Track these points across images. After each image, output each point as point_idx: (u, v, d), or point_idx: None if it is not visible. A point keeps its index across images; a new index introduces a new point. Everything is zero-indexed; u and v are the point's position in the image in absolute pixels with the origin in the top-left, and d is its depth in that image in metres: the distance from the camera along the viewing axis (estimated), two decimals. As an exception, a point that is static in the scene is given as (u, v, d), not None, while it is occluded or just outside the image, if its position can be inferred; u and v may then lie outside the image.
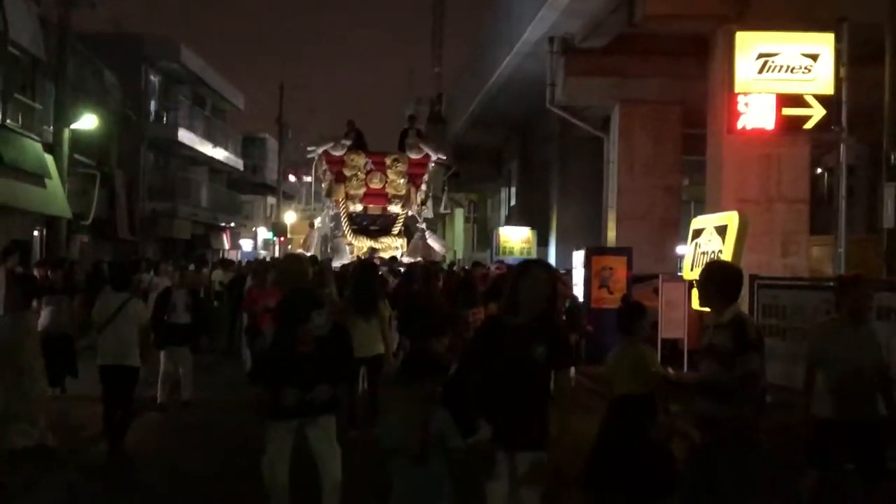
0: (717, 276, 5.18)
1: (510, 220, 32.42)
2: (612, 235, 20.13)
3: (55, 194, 18.89)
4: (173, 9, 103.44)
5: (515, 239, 26.28)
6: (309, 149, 25.68)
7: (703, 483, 4.93)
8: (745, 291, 9.08)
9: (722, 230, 9.47)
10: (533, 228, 26.82)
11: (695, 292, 10.44)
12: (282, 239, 42.25)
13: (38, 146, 19.12)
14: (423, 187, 25.36)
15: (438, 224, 44.09)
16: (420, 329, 9.34)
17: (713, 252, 9.55)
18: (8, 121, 18.20)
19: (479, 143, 34.40)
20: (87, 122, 19.18)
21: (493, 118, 30.05)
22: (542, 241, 26.94)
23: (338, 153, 24.60)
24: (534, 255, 25.55)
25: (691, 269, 10.30)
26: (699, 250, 10.03)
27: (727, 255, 9.15)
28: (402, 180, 24.67)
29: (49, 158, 18.94)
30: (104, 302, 8.51)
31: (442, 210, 27.01)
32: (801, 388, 5.91)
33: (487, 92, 26.72)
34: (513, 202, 33.96)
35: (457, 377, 5.06)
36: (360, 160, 24.60)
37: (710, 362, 4.93)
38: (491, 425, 4.67)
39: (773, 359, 7.92)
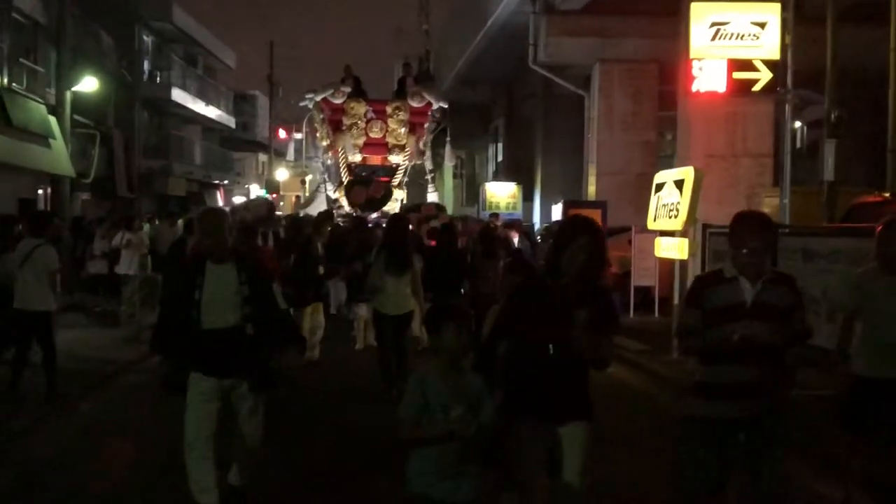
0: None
1: (497, 176, 33.23)
2: (592, 190, 21.06)
3: (59, 154, 19.72)
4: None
5: (502, 194, 27.06)
6: (307, 96, 24.58)
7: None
8: (698, 238, 10.10)
9: (680, 184, 10.42)
10: (519, 184, 27.61)
11: (659, 241, 11.44)
12: (274, 195, 42.97)
13: (43, 108, 19.92)
14: (424, 137, 24.57)
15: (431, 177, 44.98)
16: (442, 283, 9.51)
17: (673, 204, 10.51)
18: (14, 84, 18.99)
19: (467, 100, 35.00)
20: (88, 84, 19.91)
21: (479, 76, 30.79)
22: (528, 196, 27.79)
23: (337, 101, 23.59)
24: (519, 210, 26.46)
25: (654, 220, 11.26)
26: (661, 202, 10.99)
27: (684, 208, 10.11)
28: (402, 129, 23.81)
29: (52, 120, 19.73)
30: (20, 248, 8.66)
31: (448, 163, 26.80)
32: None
33: (473, 50, 27.43)
34: (500, 158, 34.76)
35: (489, 342, 4.64)
36: (361, 108, 23.67)
37: (760, 323, 4.37)
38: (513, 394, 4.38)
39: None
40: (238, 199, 49.50)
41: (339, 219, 19.16)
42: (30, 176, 19.77)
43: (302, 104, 25.13)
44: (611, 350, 4.50)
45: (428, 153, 25.52)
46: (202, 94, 37.09)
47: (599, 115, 20.87)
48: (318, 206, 24.27)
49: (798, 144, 22.98)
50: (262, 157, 52.26)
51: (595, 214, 16.08)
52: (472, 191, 38.64)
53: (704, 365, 4.55)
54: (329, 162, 24.52)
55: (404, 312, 9.13)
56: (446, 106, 25.01)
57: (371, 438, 7.10)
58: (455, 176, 38.95)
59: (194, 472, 5.41)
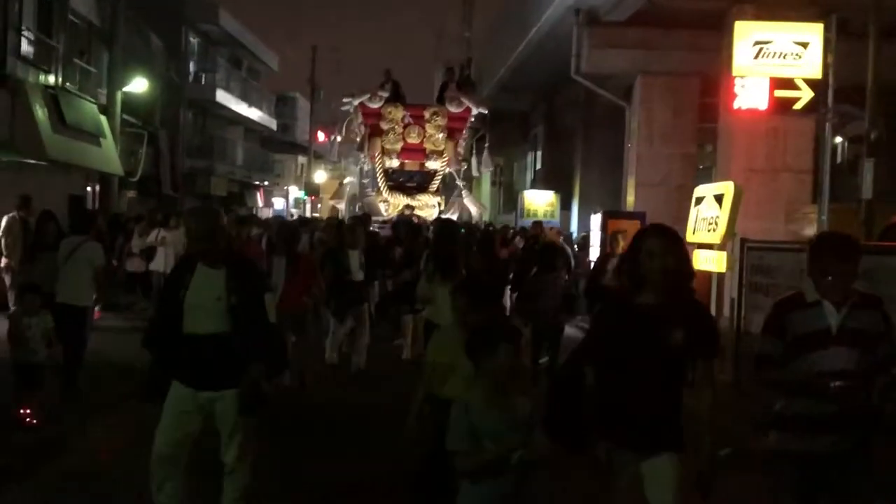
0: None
1: (535, 184, 33.36)
2: (630, 200, 21.17)
3: (109, 153, 20.22)
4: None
5: (540, 202, 27.22)
6: (344, 100, 24.41)
7: None
8: (736, 252, 10.27)
9: (719, 198, 10.58)
10: (557, 192, 27.75)
11: (698, 254, 11.59)
12: (313, 198, 43.40)
13: (95, 108, 20.43)
14: (463, 142, 24.30)
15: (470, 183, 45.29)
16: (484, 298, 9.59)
17: (712, 217, 10.67)
18: (67, 84, 19.52)
19: (507, 107, 35.14)
20: (138, 84, 20.44)
21: (520, 84, 30.96)
22: (566, 205, 27.93)
23: (374, 105, 23.39)
24: (557, 219, 26.64)
25: (693, 233, 11.42)
26: (700, 216, 11.15)
27: (723, 222, 10.27)
28: (440, 135, 23.52)
29: (103, 119, 20.24)
30: (64, 244, 8.79)
31: (473, 173, 26.55)
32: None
33: (516, 58, 27.62)
34: (538, 166, 34.90)
35: (569, 369, 4.33)
36: (398, 113, 23.44)
37: (848, 350, 4.07)
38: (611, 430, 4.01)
39: (757, 311, 9.11)
40: (277, 200, 50.15)
41: (376, 225, 19.24)
42: (80, 173, 20.28)
43: (343, 108, 24.96)
44: (711, 375, 4.09)
45: (473, 159, 25.34)
46: (245, 96, 37.69)
47: (640, 126, 20.97)
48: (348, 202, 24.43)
49: (839, 159, 22.96)
50: (302, 159, 52.83)
51: (633, 226, 16.24)
52: (510, 198, 38.84)
53: (787, 397, 4.22)
54: (367, 167, 24.31)
55: None
56: (486, 111, 24.83)
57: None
58: (493, 183, 39.12)
59: (156, 493, 4.99)
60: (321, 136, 50.89)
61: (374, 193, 23.71)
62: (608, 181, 25.19)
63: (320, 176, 49.16)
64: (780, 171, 15.09)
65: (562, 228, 23.67)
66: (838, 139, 25.62)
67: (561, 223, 26.38)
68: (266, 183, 44.72)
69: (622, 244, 11.40)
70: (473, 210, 24.70)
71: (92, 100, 20.59)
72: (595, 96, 23.51)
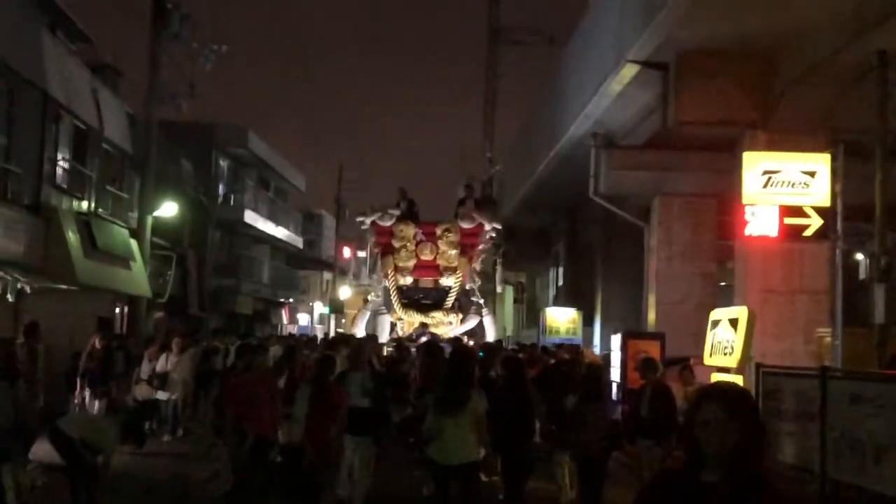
0: None
1: (557, 301, 33.53)
2: (651, 318, 21.28)
3: (139, 275, 20.70)
4: (244, 95, 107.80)
5: (562, 319, 27.28)
6: (358, 219, 24.73)
7: None
8: (752, 376, 10.35)
9: (734, 322, 10.73)
10: (579, 309, 27.84)
11: (715, 377, 11.65)
12: (338, 315, 43.75)
13: (126, 232, 21.03)
14: (478, 259, 24.32)
15: (489, 302, 45.64)
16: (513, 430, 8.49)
17: (728, 341, 10.80)
18: (99, 210, 20.17)
19: (529, 224, 35.72)
20: (168, 209, 21.06)
21: (542, 202, 31.51)
22: (588, 322, 28.00)
23: (386, 223, 23.56)
24: (579, 336, 26.70)
25: (710, 356, 11.53)
26: (716, 339, 11.28)
27: (738, 346, 10.39)
28: (453, 251, 23.53)
29: (134, 243, 20.79)
30: None
31: (498, 289, 26.45)
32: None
33: (537, 178, 28.19)
34: (560, 283, 35.14)
35: None
36: (410, 230, 23.50)
37: None
38: None
39: (773, 436, 9.15)
40: (302, 317, 50.54)
41: (390, 346, 19.28)
42: (110, 295, 20.72)
43: (362, 227, 25.17)
44: None
45: (498, 275, 25.29)
46: (272, 216, 38.50)
47: (659, 245, 21.21)
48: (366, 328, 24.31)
49: (862, 276, 23.10)
50: (327, 275, 53.45)
51: (653, 346, 16.39)
52: (532, 315, 38.97)
53: None
54: (381, 286, 24.27)
55: (468, 461, 7.78)
56: (500, 227, 24.96)
57: None
58: (516, 300, 39.30)
59: None
60: (347, 252, 51.48)
61: (384, 312, 23.65)
62: (629, 298, 25.31)
63: (345, 292, 49.61)
64: (797, 292, 15.22)
65: (581, 345, 23.66)
66: (860, 256, 25.84)
67: (583, 341, 26.43)
68: (291, 300, 45.19)
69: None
70: (490, 334, 24.49)
71: (123, 224, 21.22)
72: (615, 214, 23.88)
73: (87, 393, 14.28)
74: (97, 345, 14.65)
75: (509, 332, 40.30)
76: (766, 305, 15.90)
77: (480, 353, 12.33)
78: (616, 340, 16.62)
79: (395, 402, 11.56)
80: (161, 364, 15.32)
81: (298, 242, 44.01)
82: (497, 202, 39.90)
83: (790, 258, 15.25)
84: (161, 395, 15.29)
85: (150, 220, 20.63)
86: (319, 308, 52.01)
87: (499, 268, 26.09)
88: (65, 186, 18.61)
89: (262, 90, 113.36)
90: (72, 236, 17.63)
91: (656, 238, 21.40)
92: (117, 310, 22.03)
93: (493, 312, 43.33)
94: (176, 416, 15.20)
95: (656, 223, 21.39)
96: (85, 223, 18.81)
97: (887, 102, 11.63)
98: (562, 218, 33.72)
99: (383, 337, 22.03)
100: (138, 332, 20.56)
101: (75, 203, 19.17)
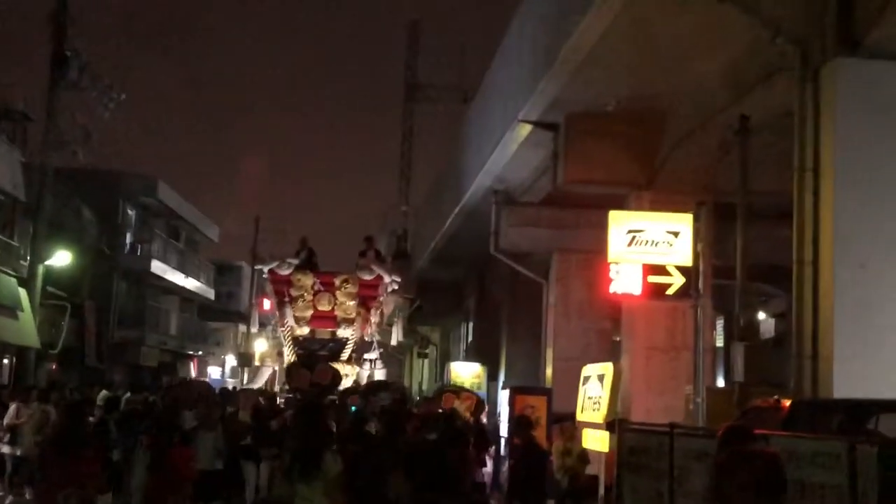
0: None
1: (467, 356, 33.59)
2: (549, 373, 21.43)
3: (26, 326, 20.17)
4: (154, 143, 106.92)
5: (466, 374, 27.25)
6: (256, 267, 24.46)
7: None
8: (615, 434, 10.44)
9: (602, 378, 10.87)
10: (486, 364, 27.89)
11: (586, 433, 11.76)
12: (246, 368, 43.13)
13: (14, 281, 20.52)
14: (376, 311, 23.95)
15: (407, 354, 45.50)
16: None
17: (596, 397, 10.92)
18: (-14, 257, 19.74)
19: (442, 278, 35.81)
20: (61, 258, 20.64)
21: (452, 257, 31.62)
22: (493, 377, 28.06)
23: (284, 272, 23.27)
24: (484, 391, 26.70)
25: (581, 412, 11.63)
26: (586, 395, 11.40)
27: (605, 401, 10.51)
28: (352, 303, 23.23)
29: (23, 292, 20.30)
30: None
31: (392, 342, 26.32)
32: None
33: (445, 232, 28.38)
34: (470, 338, 35.24)
35: None
36: (308, 280, 23.18)
37: None
38: None
39: (633, 493, 9.23)
40: (213, 370, 49.69)
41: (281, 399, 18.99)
42: (-4, 346, 20.19)
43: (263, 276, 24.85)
44: None
45: (395, 330, 25.35)
46: (182, 267, 37.98)
47: (556, 301, 21.46)
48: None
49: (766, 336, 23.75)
50: (243, 327, 52.73)
51: (540, 401, 16.45)
52: (445, 369, 38.87)
53: None
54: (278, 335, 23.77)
55: None
56: (399, 280, 24.93)
57: None
58: (419, 355, 39.23)
59: None
60: (267, 304, 50.76)
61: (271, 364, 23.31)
62: (533, 354, 25.45)
63: (261, 345, 48.95)
64: (681, 349, 15.48)
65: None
66: (762, 315, 26.42)
67: (488, 395, 26.42)
68: (200, 353, 44.46)
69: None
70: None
71: (12, 273, 20.72)
72: (519, 271, 24.11)
73: None
74: None
75: (425, 386, 40.15)
76: (650, 362, 16.17)
77: (353, 407, 12.19)
78: (504, 395, 16.68)
79: (257, 461, 11.05)
80: (10, 416, 14.18)
81: (210, 294, 43.45)
82: (411, 255, 40.09)
83: (674, 315, 15.56)
84: (5, 449, 14.25)
85: (41, 269, 20.18)
86: (232, 361, 51.23)
87: (396, 320, 25.89)
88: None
89: (181, 142, 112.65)
90: (-48, 285, 17.20)
91: (554, 294, 21.64)
92: (6, 361, 21.43)
93: (410, 366, 43.34)
94: (17, 472, 14.17)
95: (554, 279, 21.64)
96: (-31, 272, 18.37)
97: (748, 166, 12.01)
98: (473, 273, 33.88)
99: (256, 383, 21.74)
100: (24, 383, 19.97)
101: (-41, 250, 18.74)
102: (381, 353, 24.90)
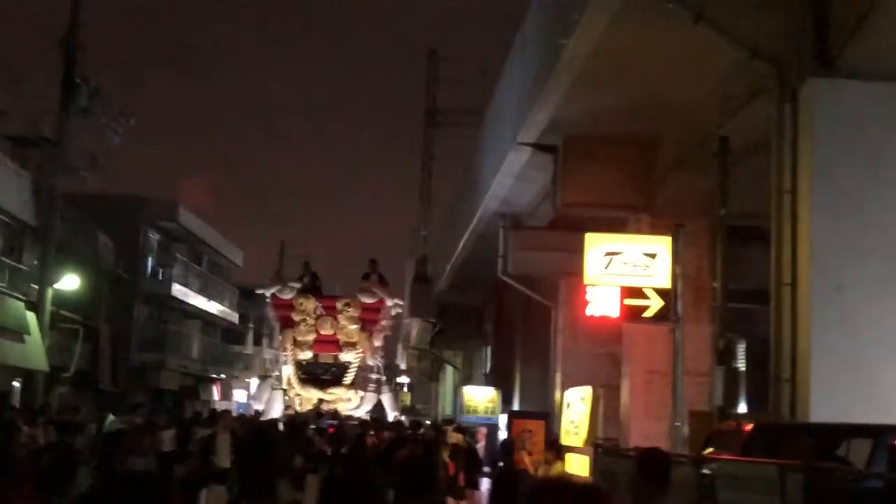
0: None
1: (488, 379, 33.41)
2: (557, 397, 21.21)
3: (34, 349, 20.34)
4: (179, 167, 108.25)
5: (479, 398, 27.06)
6: (257, 291, 24.46)
7: None
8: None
9: (584, 401, 10.71)
10: (499, 389, 27.72)
11: (570, 457, 11.59)
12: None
13: (21, 304, 20.71)
14: (379, 334, 24.05)
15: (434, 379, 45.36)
16: None
17: (577, 421, 10.76)
18: (-6, 281, 19.96)
19: (461, 302, 35.70)
20: (70, 282, 20.83)
21: (468, 281, 31.50)
22: (508, 400, 27.87)
23: (286, 296, 23.34)
24: (497, 416, 26.50)
25: (564, 436, 11.47)
26: (567, 419, 11.24)
27: (584, 424, 10.35)
28: (353, 326, 23.24)
29: (31, 315, 20.47)
30: None
31: (402, 366, 26.29)
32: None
33: (457, 258, 28.32)
34: (490, 362, 35.07)
35: None
36: (310, 304, 23.21)
37: None
38: None
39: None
40: (238, 392, 49.80)
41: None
42: (3, 369, 20.32)
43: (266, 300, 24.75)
44: None
45: (404, 354, 25.35)
46: (205, 290, 38.18)
47: (565, 325, 21.28)
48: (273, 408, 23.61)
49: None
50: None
51: (538, 426, 16.34)
52: (457, 394, 38.68)
53: None
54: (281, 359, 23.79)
55: None
56: (401, 303, 24.98)
57: None
58: (430, 378, 39.10)
59: None
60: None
61: (279, 388, 23.28)
62: (545, 378, 25.24)
63: (289, 369, 49.10)
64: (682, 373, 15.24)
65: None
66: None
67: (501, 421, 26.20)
68: (223, 376, 44.60)
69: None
70: (389, 411, 24.29)
71: (20, 296, 20.90)
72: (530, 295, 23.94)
73: None
74: None
75: (448, 411, 39.93)
76: (650, 386, 15.90)
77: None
78: (503, 420, 16.53)
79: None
80: None
81: (234, 318, 43.64)
82: (431, 279, 40.01)
83: (673, 339, 15.31)
84: None
85: (49, 292, 20.37)
86: (255, 384, 51.37)
87: (399, 345, 25.89)
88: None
89: (207, 168, 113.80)
90: (-42, 309, 17.39)
91: (563, 318, 21.46)
92: (16, 383, 21.60)
93: (436, 391, 43.07)
94: None
95: (563, 303, 21.47)
96: (-25, 295, 18.57)
97: (726, 188, 11.83)
98: (490, 298, 33.76)
99: (275, 412, 21.58)
100: (34, 406, 20.09)
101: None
102: (384, 379, 24.74)
